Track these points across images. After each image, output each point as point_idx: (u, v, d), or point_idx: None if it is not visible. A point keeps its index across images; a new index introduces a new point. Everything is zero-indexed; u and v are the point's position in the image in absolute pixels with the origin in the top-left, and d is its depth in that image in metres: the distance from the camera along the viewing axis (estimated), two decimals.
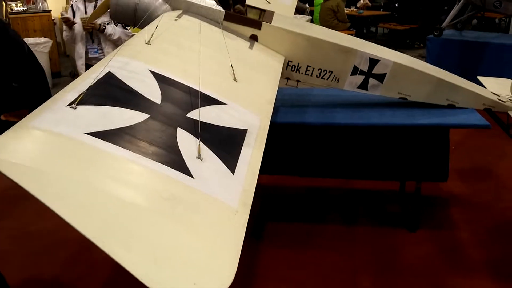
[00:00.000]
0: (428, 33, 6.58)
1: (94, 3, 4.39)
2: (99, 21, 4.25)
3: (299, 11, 9.53)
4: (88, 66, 4.44)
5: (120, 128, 1.50)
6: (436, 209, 3.77)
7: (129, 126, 1.54)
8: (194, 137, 1.71)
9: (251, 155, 1.81)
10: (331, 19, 9.17)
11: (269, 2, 3.67)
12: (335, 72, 2.99)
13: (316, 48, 2.91)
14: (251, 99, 2.23)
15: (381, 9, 10.98)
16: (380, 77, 3.04)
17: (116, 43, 4.36)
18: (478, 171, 4.48)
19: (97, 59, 4.33)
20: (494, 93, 3.24)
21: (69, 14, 4.47)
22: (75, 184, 1.21)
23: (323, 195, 4.08)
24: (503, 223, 3.53)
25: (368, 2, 10.63)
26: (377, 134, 3.23)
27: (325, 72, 2.99)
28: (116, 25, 4.37)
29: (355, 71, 3.00)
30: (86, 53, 4.47)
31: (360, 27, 10.61)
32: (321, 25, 8.75)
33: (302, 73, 3.02)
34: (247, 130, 1.95)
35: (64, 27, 4.49)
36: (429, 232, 3.44)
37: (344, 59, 2.96)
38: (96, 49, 4.47)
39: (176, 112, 1.82)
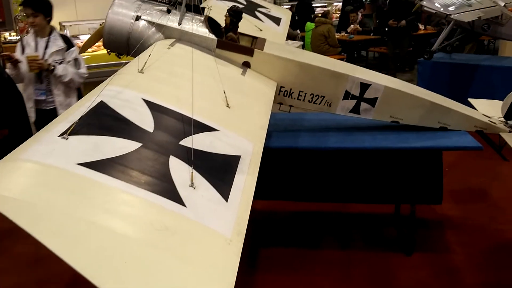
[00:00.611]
0: (416, 57, 6.69)
1: (46, 38, 3.87)
2: (50, 60, 3.81)
3: (290, 37, 9.66)
4: (37, 110, 3.95)
5: (112, 158, 1.50)
6: (431, 231, 3.75)
7: (122, 155, 1.53)
8: (187, 165, 1.71)
9: (245, 181, 1.81)
10: (322, 44, 9.30)
11: (260, 30, 3.73)
12: (327, 97, 3.02)
13: (307, 74, 2.95)
14: (244, 125, 2.24)
15: (371, 34, 11.16)
16: (372, 101, 3.07)
17: (68, 85, 3.94)
18: (471, 192, 4.49)
19: (46, 102, 3.95)
20: (485, 115, 3.28)
21: (18, 50, 3.92)
22: (66, 217, 1.20)
23: (318, 220, 4.05)
24: (498, 245, 3.52)
25: (359, 27, 10.80)
26: (370, 157, 3.25)
27: (317, 97, 3.02)
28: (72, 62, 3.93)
29: (347, 95, 3.03)
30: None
31: (351, 52, 10.74)
32: (312, 50, 8.90)
33: (294, 98, 3.04)
34: (240, 156, 1.95)
35: (8, 65, 3.88)
36: (425, 255, 3.42)
37: (336, 84, 2.99)
38: (44, 91, 3.93)
39: (169, 140, 1.82)
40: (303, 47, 9.26)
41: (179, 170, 1.67)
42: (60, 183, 1.32)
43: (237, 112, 2.28)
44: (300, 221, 4.04)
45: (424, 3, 5.38)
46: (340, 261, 3.40)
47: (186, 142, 1.84)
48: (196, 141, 1.85)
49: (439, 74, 6.26)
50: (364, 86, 3.01)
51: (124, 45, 2.92)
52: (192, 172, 1.66)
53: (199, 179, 1.67)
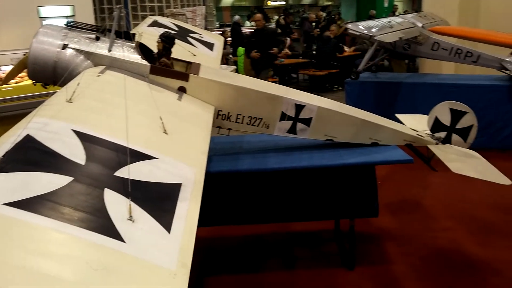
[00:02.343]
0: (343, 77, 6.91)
1: None
2: None
3: (223, 58, 9.75)
4: None
5: (41, 195, 1.39)
6: (371, 244, 3.85)
7: (52, 191, 1.43)
8: (124, 197, 1.62)
9: (188, 210, 1.75)
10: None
11: (194, 55, 3.71)
12: (265, 119, 3.04)
13: (244, 97, 2.96)
14: (184, 151, 2.18)
15: (300, 57, 11.56)
16: (307, 121, 3.13)
17: None
18: (405, 203, 4.69)
19: None
20: (413, 129, 3.45)
21: None
22: None
23: (262, 242, 4.03)
24: (435, 252, 3.68)
25: (288, 51, 11.15)
26: (308, 176, 3.31)
27: (255, 119, 3.03)
28: None
29: (283, 117, 3.07)
30: None
31: (282, 75, 11.05)
32: (245, 74, 9.01)
33: (233, 121, 3.03)
34: (181, 183, 1.89)
35: None
36: (368, 268, 3.50)
37: (272, 106, 3.02)
38: None
39: (103, 172, 1.73)
40: (236, 71, 9.37)
41: (115, 203, 1.58)
42: None
43: (175, 138, 2.22)
44: (245, 245, 3.99)
45: (350, 26, 5.66)
46: (285, 283, 3.39)
47: (122, 172, 1.75)
48: (132, 171, 1.77)
49: (366, 93, 6.54)
50: (299, 107, 3.07)
51: (50, 75, 2.77)
52: (130, 205, 1.58)
53: (138, 211, 1.59)
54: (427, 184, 5.09)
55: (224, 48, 10.29)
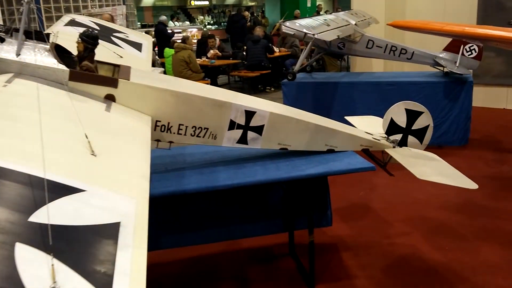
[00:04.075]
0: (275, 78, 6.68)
1: None
2: None
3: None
4: None
5: None
6: (328, 256, 3.60)
7: None
8: (44, 253, 1.17)
9: (132, 259, 1.32)
10: (184, 70, 8.99)
11: (121, 57, 3.21)
12: (211, 129, 2.65)
13: (186, 104, 2.54)
14: (119, 177, 1.74)
15: (230, 58, 11.22)
16: (259, 130, 2.78)
17: None
18: (355, 207, 4.51)
19: None
20: (367, 133, 3.23)
21: None
22: None
23: (209, 264, 3.62)
24: (395, 261, 3.50)
25: (218, 52, 10.77)
26: (260, 188, 3.02)
27: (200, 129, 2.62)
28: None
29: (232, 125, 2.69)
30: None
31: (213, 76, 10.65)
32: (175, 76, 8.51)
33: (174, 133, 2.60)
34: (119, 223, 1.45)
35: None
36: (329, 285, 3.22)
37: (219, 114, 2.64)
38: None
39: (12, 218, 1.26)
40: (165, 73, 8.83)
41: (31, 263, 1.14)
42: None
43: (107, 161, 1.77)
44: (190, 270, 3.56)
45: (287, 24, 5.39)
46: None
47: (39, 216, 1.29)
48: (53, 213, 1.31)
49: (303, 94, 6.34)
50: (249, 113, 2.71)
51: None
52: (52, 265, 1.13)
53: (64, 272, 1.15)
54: (373, 185, 4.95)
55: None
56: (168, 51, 9.53)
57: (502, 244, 3.60)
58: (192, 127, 2.60)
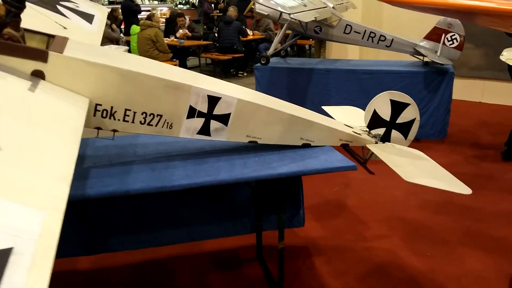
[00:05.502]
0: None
1: None
2: None
3: (112, 41, 8.52)
4: None
5: None
6: (299, 262, 3.23)
7: None
8: None
9: None
10: (150, 49, 8.43)
11: (65, 28, 2.70)
12: (166, 116, 2.20)
13: (134, 85, 2.08)
14: (24, 180, 1.28)
15: (201, 39, 10.67)
16: (224, 119, 2.35)
17: None
18: (329, 205, 4.16)
19: None
20: (347, 125, 2.85)
21: None
22: None
23: (164, 269, 3.20)
24: (372, 268, 3.16)
25: (188, 32, 10.18)
26: (227, 186, 2.65)
27: (151, 116, 2.17)
28: None
29: (192, 113, 2.25)
30: None
31: (182, 58, 10.09)
32: (140, 55, 7.94)
33: (119, 120, 2.14)
34: (11, 249, 1.01)
35: None
36: None
37: (176, 98, 2.18)
38: None
39: None
40: (129, 52, 8.24)
41: None
42: None
43: (12, 159, 1.31)
44: (142, 276, 3.13)
45: (260, 1, 4.93)
46: None
47: None
48: None
49: (277, 79, 5.95)
50: (213, 99, 2.27)
51: None
52: None
53: None
54: (348, 179, 4.62)
55: (113, 30, 9.08)
56: (135, 28, 8.92)
57: (487, 250, 3.32)
58: (142, 114, 2.14)
